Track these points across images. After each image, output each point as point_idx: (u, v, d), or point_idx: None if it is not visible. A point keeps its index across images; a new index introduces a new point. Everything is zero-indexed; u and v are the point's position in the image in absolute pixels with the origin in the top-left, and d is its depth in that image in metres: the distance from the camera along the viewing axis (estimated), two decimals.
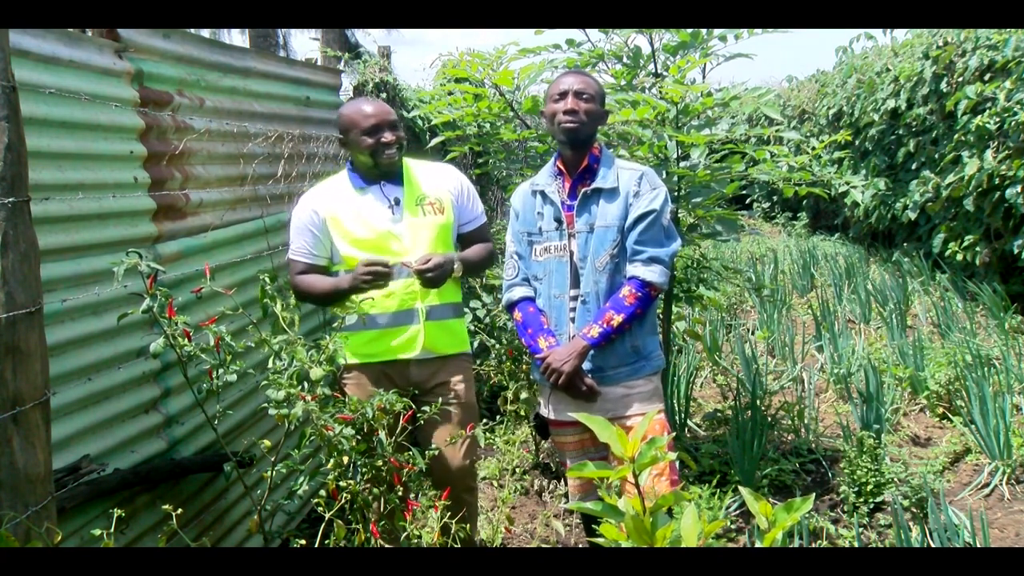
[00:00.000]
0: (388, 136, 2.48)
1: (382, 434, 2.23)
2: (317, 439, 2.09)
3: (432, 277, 2.42)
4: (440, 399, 2.43)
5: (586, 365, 2.35)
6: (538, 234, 2.44)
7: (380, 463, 2.23)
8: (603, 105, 2.45)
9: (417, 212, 2.54)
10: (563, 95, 2.36)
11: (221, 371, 2.02)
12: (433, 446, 2.39)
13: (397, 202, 2.54)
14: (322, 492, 2.13)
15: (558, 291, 2.40)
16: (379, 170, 2.53)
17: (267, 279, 2.17)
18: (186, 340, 1.97)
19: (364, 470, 2.23)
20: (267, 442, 2.14)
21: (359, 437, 2.16)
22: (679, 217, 3.27)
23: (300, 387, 2.05)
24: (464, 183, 2.68)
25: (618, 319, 2.29)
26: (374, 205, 2.54)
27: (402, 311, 2.51)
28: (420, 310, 2.51)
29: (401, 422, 2.30)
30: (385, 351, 2.52)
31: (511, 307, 2.50)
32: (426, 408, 2.29)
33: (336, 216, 2.53)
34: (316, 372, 2.06)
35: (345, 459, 2.12)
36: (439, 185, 2.61)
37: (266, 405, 2.05)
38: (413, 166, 2.64)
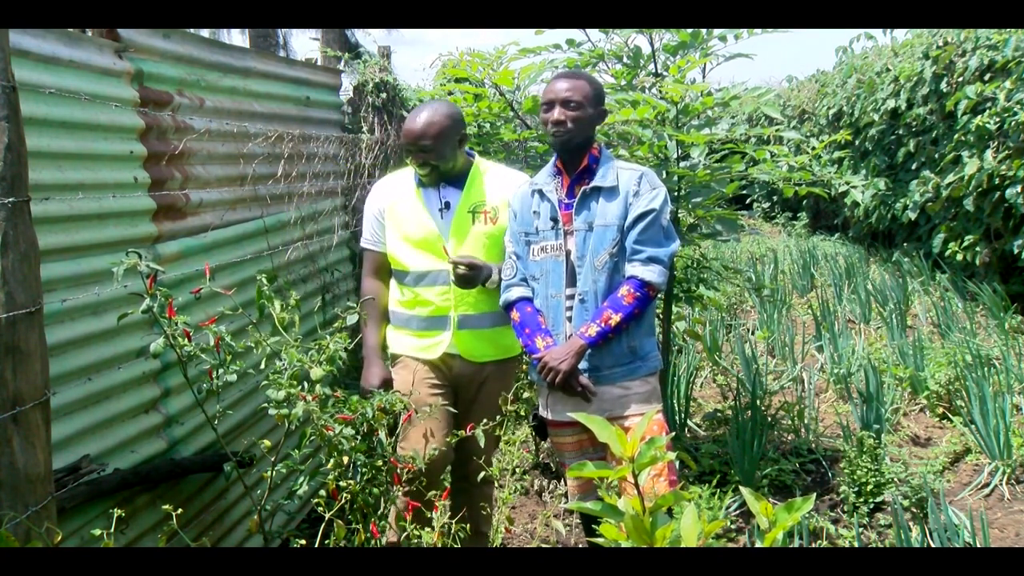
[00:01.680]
0: (416, 158, 2.49)
1: (382, 434, 2.23)
2: (317, 439, 2.09)
3: (462, 275, 2.42)
4: (475, 400, 2.53)
5: (583, 365, 2.35)
6: (535, 234, 2.44)
7: (380, 463, 2.23)
8: (600, 104, 2.41)
9: (467, 220, 2.53)
10: (551, 104, 2.35)
11: (221, 371, 2.02)
12: (465, 442, 2.42)
13: (448, 206, 2.54)
14: (322, 492, 2.13)
15: (554, 291, 2.40)
16: None
17: (264, 280, 2.16)
18: (186, 340, 1.96)
19: (364, 471, 2.23)
20: (267, 442, 2.14)
21: (359, 437, 2.16)
22: (679, 217, 3.27)
23: (300, 387, 2.05)
24: None
25: (616, 318, 2.28)
26: (427, 204, 2.55)
27: (435, 316, 2.54)
28: (452, 318, 2.53)
29: (401, 422, 2.30)
30: (419, 349, 2.58)
31: (508, 307, 2.50)
32: (426, 406, 2.30)
33: (394, 208, 2.57)
34: (316, 372, 2.06)
35: (345, 459, 2.12)
36: (501, 193, 2.58)
37: (266, 405, 2.05)
38: (483, 171, 2.61)
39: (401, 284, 2.59)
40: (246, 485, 2.28)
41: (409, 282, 2.56)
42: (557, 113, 2.33)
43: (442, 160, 2.48)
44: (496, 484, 2.49)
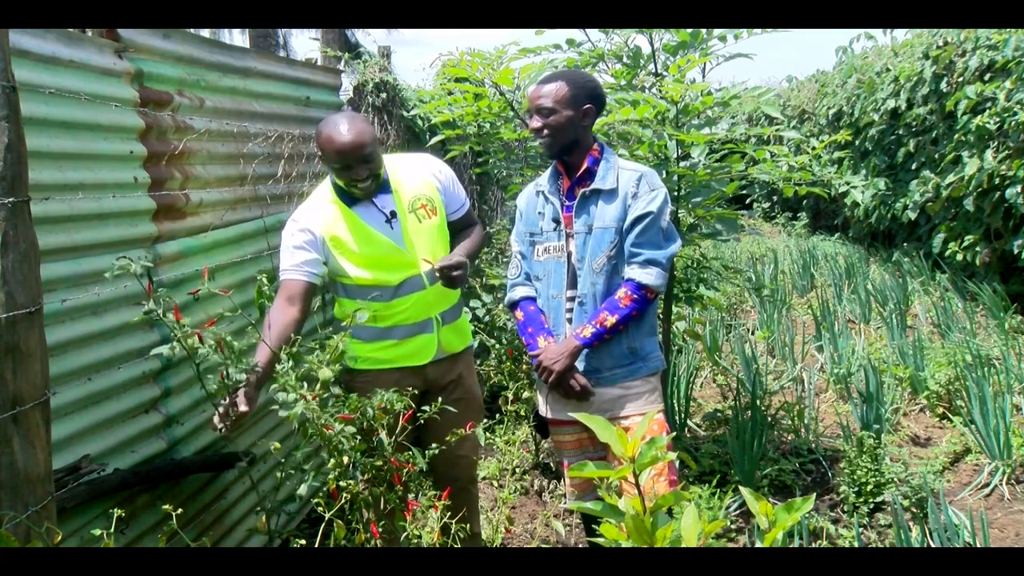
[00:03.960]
0: (359, 172, 2.37)
1: (382, 434, 2.23)
2: (317, 438, 2.09)
3: (457, 276, 2.38)
4: (453, 394, 2.46)
5: (583, 366, 2.36)
6: (539, 234, 2.45)
7: (380, 463, 2.23)
8: (584, 103, 2.34)
9: (412, 220, 2.49)
10: (531, 112, 2.37)
11: (232, 370, 2.02)
12: (441, 441, 2.37)
13: (393, 215, 2.47)
14: (322, 492, 2.13)
15: (556, 291, 2.41)
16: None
17: (264, 280, 2.16)
18: (197, 341, 1.96)
19: (364, 470, 2.23)
20: (277, 444, 2.14)
21: (359, 437, 2.16)
22: (679, 217, 3.27)
23: (304, 387, 2.05)
24: (444, 170, 2.61)
25: (611, 320, 2.29)
26: (371, 220, 2.46)
27: (416, 323, 2.49)
28: (436, 320, 2.51)
29: (401, 421, 2.30)
30: (400, 357, 2.51)
31: (513, 306, 2.52)
32: (426, 408, 2.28)
33: (336, 236, 2.44)
34: (325, 373, 2.06)
35: (345, 459, 2.12)
36: (424, 181, 2.55)
37: (275, 408, 2.05)
38: (394, 167, 2.54)
39: (372, 301, 2.44)
40: (253, 481, 2.27)
41: (387, 297, 2.46)
42: (534, 121, 2.34)
43: (380, 166, 2.41)
44: (496, 484, 2.48)
